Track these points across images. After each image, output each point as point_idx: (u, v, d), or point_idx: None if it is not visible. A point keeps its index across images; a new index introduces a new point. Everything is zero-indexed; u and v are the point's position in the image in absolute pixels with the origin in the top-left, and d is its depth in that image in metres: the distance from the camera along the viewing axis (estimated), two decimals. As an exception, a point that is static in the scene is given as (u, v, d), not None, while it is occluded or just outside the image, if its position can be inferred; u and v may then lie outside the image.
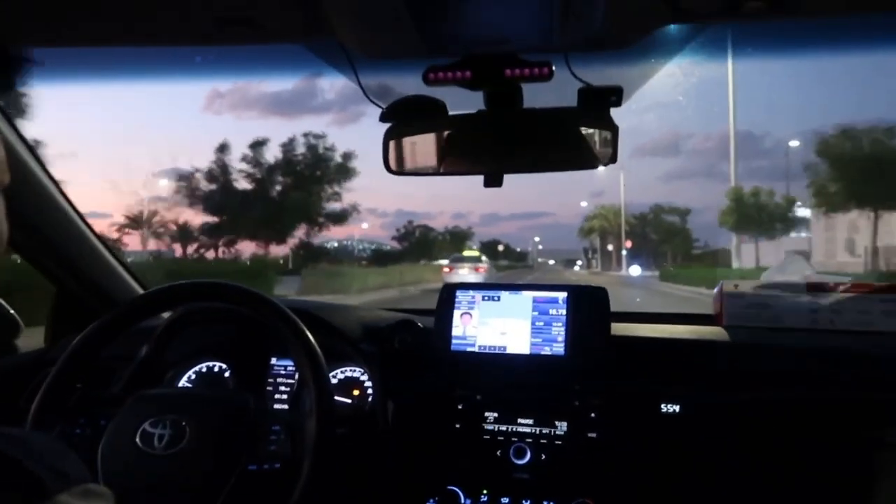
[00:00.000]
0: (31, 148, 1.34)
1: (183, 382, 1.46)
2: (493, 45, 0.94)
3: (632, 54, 1.03)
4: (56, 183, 1.39)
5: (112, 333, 1.20)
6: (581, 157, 1.05)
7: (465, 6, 0.85)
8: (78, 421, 1.19)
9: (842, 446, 1.17)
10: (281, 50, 1.08)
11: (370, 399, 1.35)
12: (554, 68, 0.95)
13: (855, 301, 1.47)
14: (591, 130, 1.08)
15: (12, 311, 1.50)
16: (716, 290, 1.54)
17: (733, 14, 0.84)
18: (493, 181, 1.06)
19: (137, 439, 1.07)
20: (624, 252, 45.45)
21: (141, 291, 1.65)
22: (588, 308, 1.22)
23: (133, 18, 0.91)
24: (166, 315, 1.44)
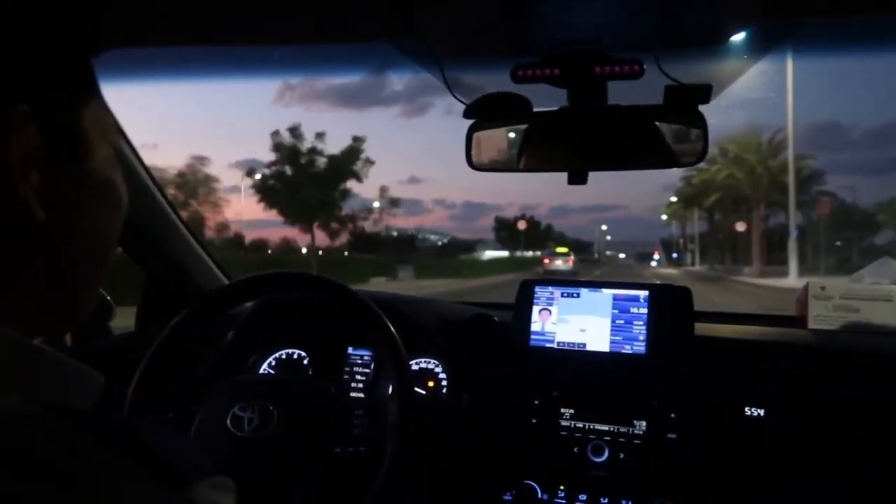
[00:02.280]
0: (127, 139, 1.40)
1: (264, 368, 1.51)
2: (581, 44, 0.93)
3: (723, 51, 1.00)
4: (150, 173, 1.46)
5: (202, 320, 1.25)
6: (667, 156, 1.03)
7: (555, 5, 0.84)
8: (170, 405, 1.25)
9: None
10: (367, 47, 1.10)
11: (444, 391, 1.37)
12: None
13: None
14: (678, 128, 1.06)
15: (108, 296, 1.59)
16: (799, 292, 1.49)
17: (830, 11, 0.81)
18: (577, 178, 1.05)
19: (228, 423, 1.11)
20: (792, 234, 23.08)
21: (224, 280, 1.71)
22: (671, 307, 1.20)
23: (232, 20, 0.94)
24: (247, 304, 1.50)
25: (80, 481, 0.31)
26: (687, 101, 1.00)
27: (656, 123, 1.03)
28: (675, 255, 69.44)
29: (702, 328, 1.29)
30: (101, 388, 0.42)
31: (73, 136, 0.40)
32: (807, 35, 0.98)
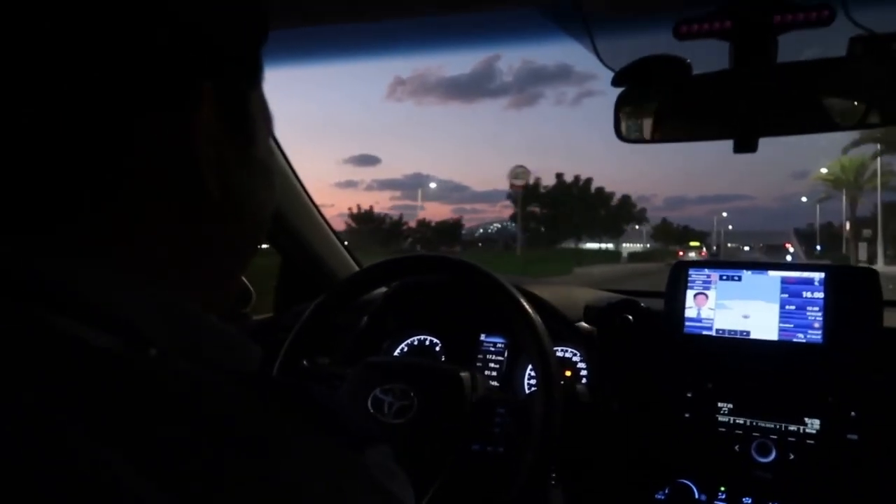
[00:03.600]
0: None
1: (397, 353, 1.51)
2: None
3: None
4: (289, 162, 1.49)
5: (340, 304, 1.26)
6: (854, 114, 0.91)
7: None
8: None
9: None
10: (512, 18, 1.05)
11: (584, 381, 1.30)
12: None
13: None
14: (864, 85, 0.93)
15: (246, 282, 1.64)
16: None
17: None
18: (745, 146, 0.94)
19: (369, 405, 1.10)
20: None
21: (356, 268, 1.73)
22: (853, 291, 1.06)
23: None
24: (381, 289, 1.50)
25: (265, 441, 0.30)
26: (879, 53, 0.87)
27: (841, 80, 0.91)
28: (818, 247, 62.74)
29: (889, 317, 1.14)
30: (260, 358, 0.41)
31: (245, 118, 0.41)
32: None
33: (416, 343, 1.52)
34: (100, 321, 0.31)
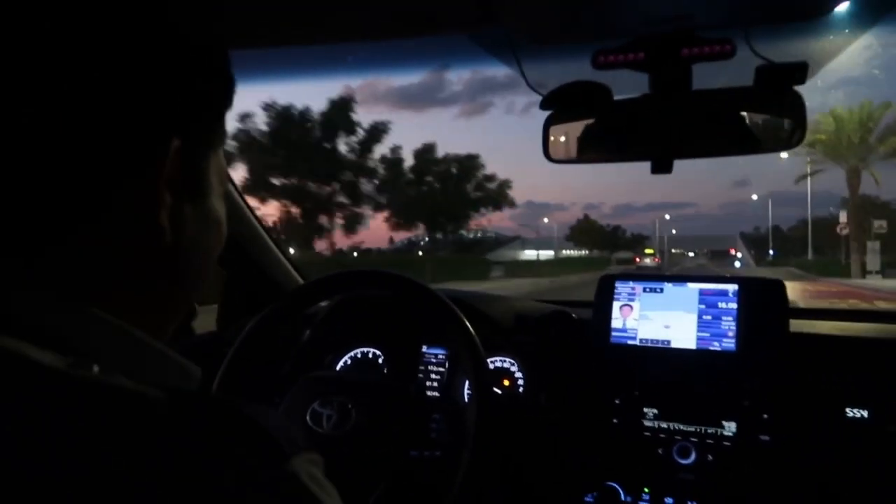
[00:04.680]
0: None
1: (340, 366, 1.53)
2: (667, 24, 0.90)
3: (821, 26, 0.94)
4: (232, 181, 1.50)
5: (283, 318, 1.27)
6: (761, 140, 0.98)
7: None
8: (251, 401, 1.27)
9: None
10: (441, 41, 1.10)
11: (520, 389, 1.35)
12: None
13: None
14: (769, 110, 1.01)
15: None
16: None
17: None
18: (661, 167, 1.01)
19: (308, 418, 1.13)
20: None
21: (300, 280, 1.74)
22: (763, 301, 1.14)
23: (312, 17, 0.95)
24: (324, 303, 1.52)
25: (192, 452, 0.33)
26: (781, 82, 0.94)
27: (748, 107, 0.98)
28: (771, 252, 61.03)
29: (799, 324, 1.22)
30: (199, 379, 0.47)
31: (203, 175, 0.47)
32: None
33: (359, 356, 1.54)
34: (45, 342, 0.36)
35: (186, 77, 0.43)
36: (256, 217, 1.64)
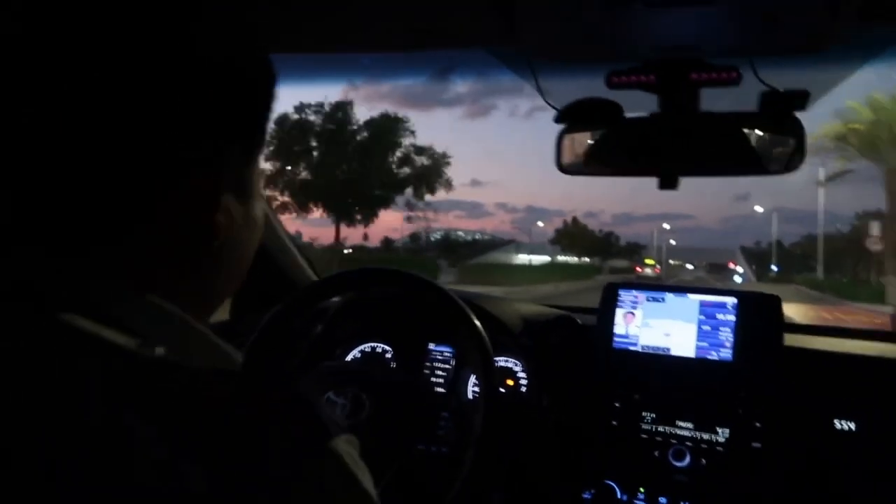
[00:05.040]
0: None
1: (350, 359, 1.58)
2: (678, 50, 0.95)
3: (823, 58, 0.99)
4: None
5: (296, 313, 1.33)
6: (761, 163, 1.03)
7: (656, 13, 0.86)
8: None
9: None
10: (463, 53, 1.15)
11: (523, 390, 1.40)
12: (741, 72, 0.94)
13: None
14: (772, 135, 1.06)
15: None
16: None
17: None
18: (668, 184, 1.06)
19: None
20: None
21: (314, 277, 1.80)
22: (759, 315, 1.20)
23: (342, 29, 1.00)
24: (336, 299, 1.57)
25: (252, 426, 0.38)
26: (783, 108, 1.00)
27: (748, 130, 1.04)
28: (774, 267, 58.58)
29: (793, 339, 1.27)
30: (240, 364, 0.50)
31: (251, 177, 0.51)
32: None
33: (367, 350, 1.59)
34: (120, 327, 0.41)
35: (243, 88, 0.47)
36: (273, 212, 1.70)
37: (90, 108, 0.41)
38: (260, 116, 0.51)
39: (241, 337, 1.32)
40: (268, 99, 0.51)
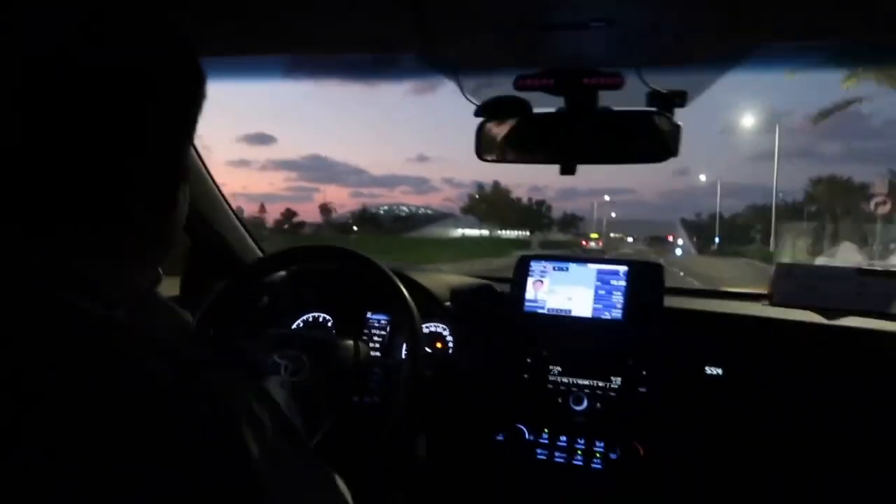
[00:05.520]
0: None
1: (294, 328, 1.73)
2: (575, 60, 1.13)
3: (696, 66, 1.19)
4: (200, 155, 1.67)
5: (244, 287, 1.47)
6: (647, 152, 1.23)
7: (553, 33, 1.03)
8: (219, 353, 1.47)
9: (870, 417, 1.31)
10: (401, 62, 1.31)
11: (450, 351, 1.59)
12: (626, 78, 1.13)
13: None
14: (657, 128, 1.26)
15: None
16: (773, 271, 1.69)
17: (784, 35, 1.01)
18: (567, 170, 1.26)
19: (268, 368, 1.33)
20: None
21: (258, 252, 1.93)
22: (645, 281, 1.42)
23: (283, 33, 1.14)
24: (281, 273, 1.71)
25: (200, 366, 0.47)
26: (665, 105, 1.20)
27: (639, 125, 1.23)
28: (717, 239, 56.78)
29: (677, 301, 1.50)
30: (192, 321, 0.60)
31: (186, 164, 0.61)
32: (763, 53, 1.17)
33: (310, 319, 1.75)
34: (89, 293, 0.48)
35: (179, 94, 0.57)
36: (220, 191, 1.81)
37: (61, 125, 0.50)
38: (194, 114, 0.60)
39: (193, 309, 1.46)
40: (200, 99, 0.60)
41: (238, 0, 0.97)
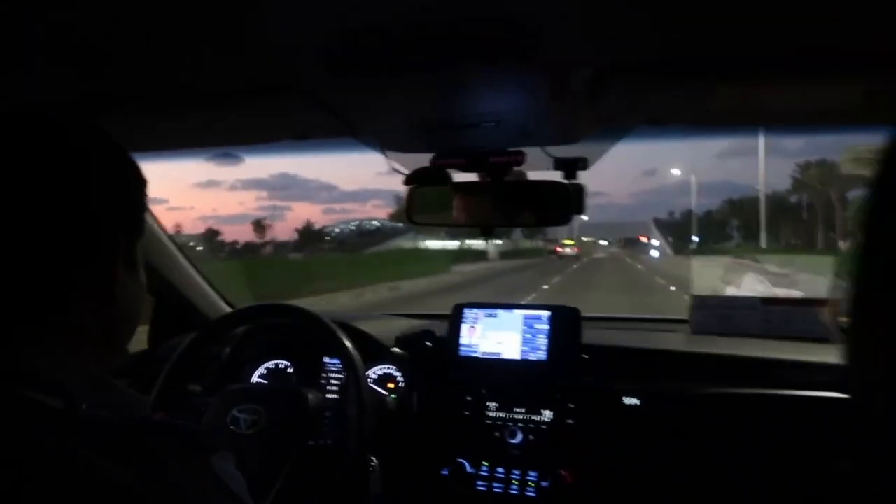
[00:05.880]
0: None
1: (255, 377, 1.86)
2: (483, 144, 1.28)
3: (588, 140, 1.35)
4: (154, 216, 1.81)
5: (209, 341, 1.61)
6: (555, 215, 1.39)
7: (465, 130, 1.18)
8: (182, 409, 1.60)
9: (772, 435, 1.47)
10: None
11: (402, 390, 1.73)
12: (529, 151, 1.29)
13: (801, 312, 1.78)
14: (563, 192, 1.41)
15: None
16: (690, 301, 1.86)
17: (653, 122, 1.18)
18: (486, 232, 1.42)
19: (228, 422, 1.47)
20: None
21: (222, 304, 2.06)
22: (564, 324, 1.58)
23: (219, 130, 1.28)
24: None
25: (152, 453, 0.53)
26: (570, 171, 1.35)
27: (546, 190, 1.39)
28: (696, 238, 54.83)
29: (596, 335, 1.66)
30: (148, 406, 0.70)
31: (136, 254, 0.68)
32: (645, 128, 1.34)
33: (272, 367, 1.88)
34: (51, 390, 0.53)
35: (121, 199, 0.64)
36: (178, 247, 1.94)
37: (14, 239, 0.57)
38: (138, 213, 0.67)
39: (160, 361, 1.59)
40: (142, 199, 0.67)
41: (171, 101, 1.10)
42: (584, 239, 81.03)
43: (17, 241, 0.57)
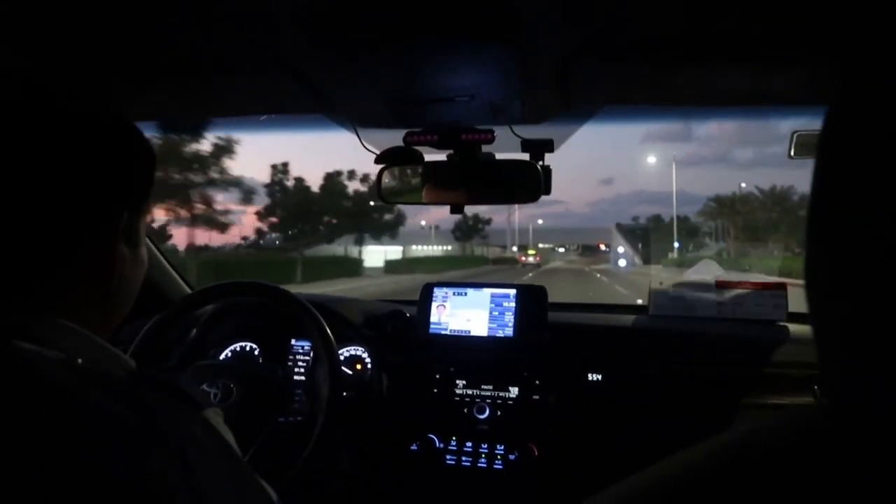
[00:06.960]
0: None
1: (223, 357, 1.86)
2: (454, 121, 1.32)
3: (555, 121, 1.40)
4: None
5: (173, 322, 1.60)
6: (523, 193, 1.43)
7: (435, 104, 1.22)
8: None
9: (724, 408, 1.55)
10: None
11: (369, 371, 1.75)
12: (497, 133, 1.34)
13: (752, 295, 1.86)
14: (531, 171, 1.46)
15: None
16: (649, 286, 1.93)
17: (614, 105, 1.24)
18: (456, 210, 1.45)
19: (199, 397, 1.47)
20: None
21: (184, 286, 2.05)
22: (531, 302, 1.62)
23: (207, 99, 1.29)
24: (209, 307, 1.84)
25: (148, 404, 0.53)
26: (537, 152, 1.40)
27: (515, 169, 1.43)
28: (677, 244, 49.67)
29: (563, 316, 1.72)
30: (133, 366, 0.70)
31: (139, 230, 0.69)
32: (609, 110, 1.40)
33: (238, 349, 1.88)
34: (53, 345, 0.57)
35: (126, 166, 0.64)
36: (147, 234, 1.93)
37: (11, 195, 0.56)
38: (143, 183, 0.67)
39: (123, 344, 1.58)
40: (149, 169, 0.67)
41: (163, 70, 1.11)
42: (540, 246, 79.61)
43: (14, 211, 0.57)
